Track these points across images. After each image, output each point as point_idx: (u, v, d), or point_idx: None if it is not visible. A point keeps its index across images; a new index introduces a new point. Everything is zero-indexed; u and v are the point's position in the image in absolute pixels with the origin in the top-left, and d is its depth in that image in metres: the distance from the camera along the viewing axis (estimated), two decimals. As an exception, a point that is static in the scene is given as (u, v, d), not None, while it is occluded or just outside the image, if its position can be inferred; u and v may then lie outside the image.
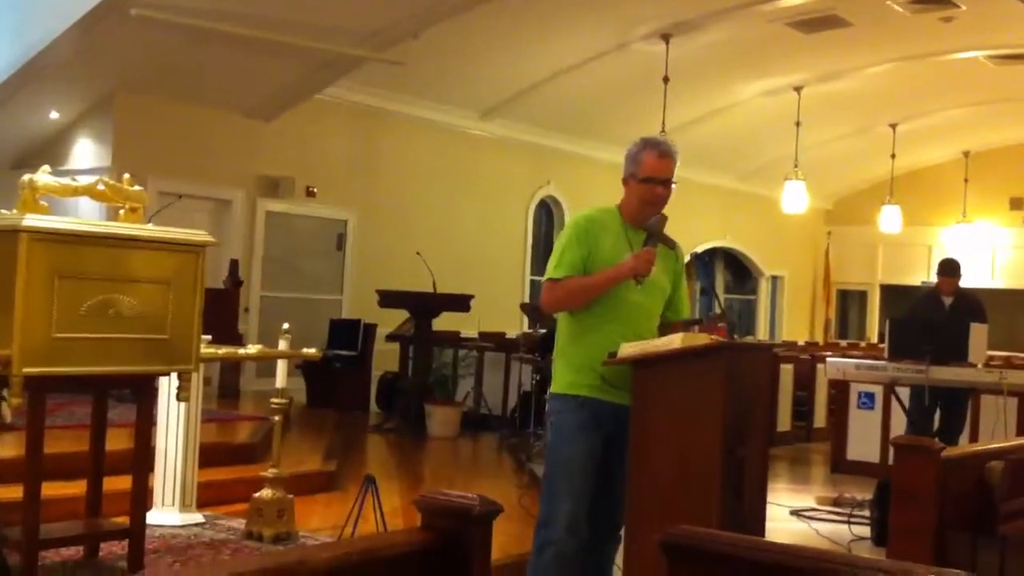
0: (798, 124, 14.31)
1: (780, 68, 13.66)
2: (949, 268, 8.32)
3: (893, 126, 16.33)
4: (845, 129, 16.44)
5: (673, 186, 4.01)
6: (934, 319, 8.06)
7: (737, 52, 12.75)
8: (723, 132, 15.38)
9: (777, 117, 14.63)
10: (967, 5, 11.34)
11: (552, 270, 3.93)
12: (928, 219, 18.92)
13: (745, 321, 19.33)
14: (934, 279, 8.59)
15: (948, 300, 8.23)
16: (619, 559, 4.30)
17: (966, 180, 18.38)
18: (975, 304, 8.20)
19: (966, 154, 18.49)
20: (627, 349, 3.92)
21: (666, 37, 11.87)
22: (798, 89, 14.19)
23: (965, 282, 8.43)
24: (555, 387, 4.00)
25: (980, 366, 7.64)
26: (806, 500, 7.83)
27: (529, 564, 3.92)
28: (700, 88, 13.65)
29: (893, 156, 16.56)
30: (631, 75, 12.73)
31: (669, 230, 4.06)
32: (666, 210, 4.01)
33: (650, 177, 3.94)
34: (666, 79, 12.03)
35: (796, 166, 14.32)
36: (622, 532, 4.02)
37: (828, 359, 8.96)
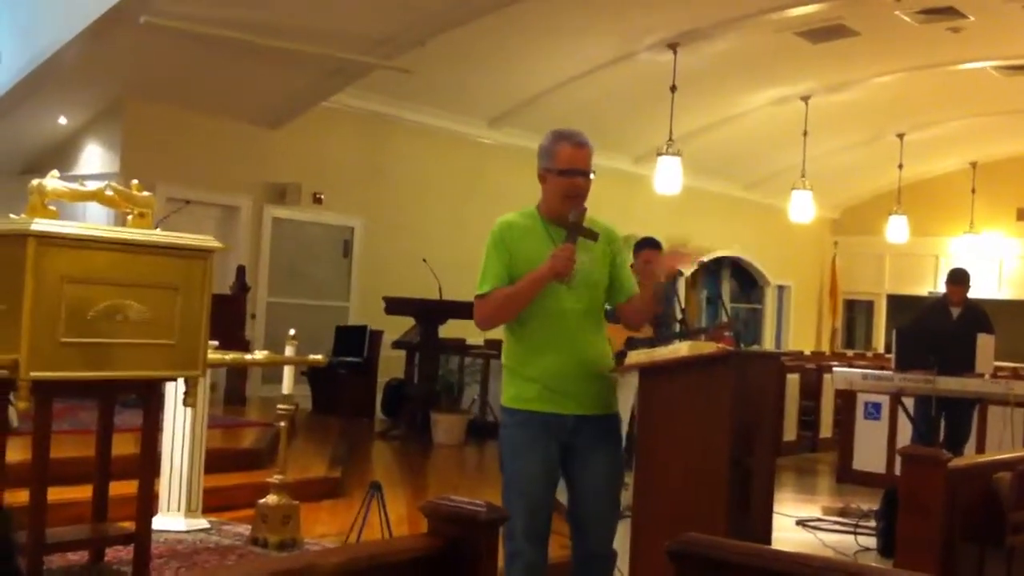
0: (805, 133, 14.29)
1: (787, 77, 13.65)
2: (958, 277, 8.32)
3: (900, 136, 16.31)
4: (852, 139, 16.42)
5: (592, 177, 3.82)
6: (941, 329, 8.05)
7: (744, 61, 12.75)
8: (730, 141, 15.37)
9: (784, 126, 14.62)
10: (975, 15, 11.33)
11: (478, 286, 3.79)
12: (935, 229, 18.89)
13: (751, 330, 19.29)
14: (941, 289, 8.59)
15: (956, 311, 8.22)
16: (625, 568, 4.29)
17: (973, 190, 18.34)
18: (982, 315, 8.19)
19: (973, 164, 18.46)
20: (634, 357, 3.92)
21: (673, 46, 11.87)
22: (805, 99, 14.17)
23: (972, 293, 8.42)
24: (502, 399, 3.89)
25: (987, 377, 7.62)
26: (812, 510, 7.81)
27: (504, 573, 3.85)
28: (707, 97, 13.64)
29: (900, 166, 16.54)
30: (639, 84, 12.73)
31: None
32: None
33: (568, 168, 3.77)
34: (673, 88, 12.03)
35: (803, 175, 14.30)
36: (613, 550, 3.86)
37: (835, 369, 8.95)
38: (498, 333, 3.87)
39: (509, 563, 3.76)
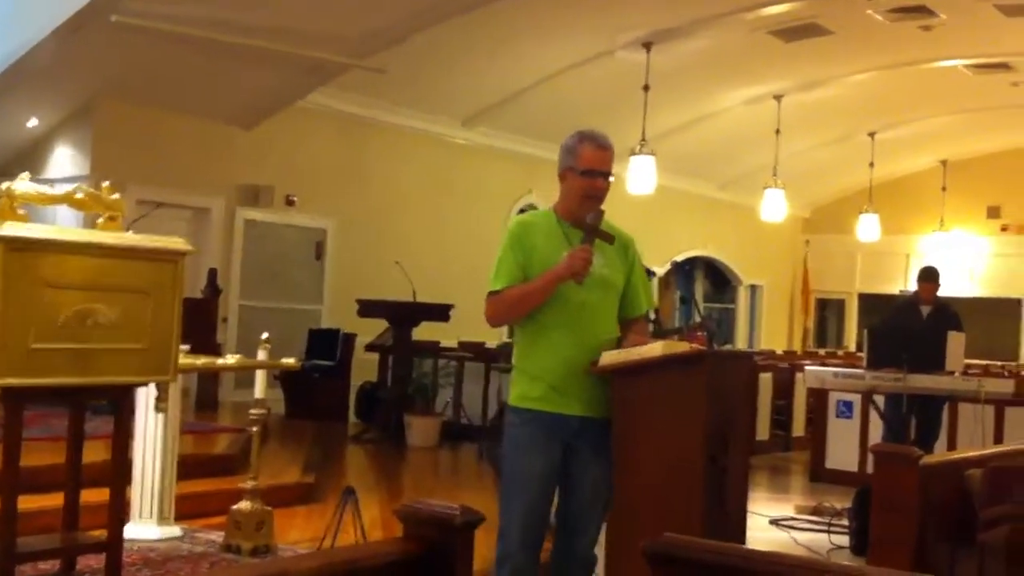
0: (778, 132, 14.35)
1: (760, 76, 13.71)
2: (929, 274, 8.38)
3: (872, 135, 16.41)
4: (824, 138, 16.51)
5: (611, 180, 3.87)
6: (912, 328, 8.11)
7: (718, 60, 12.79)
8: (703, 140, 15.42)
9: (757, 125, 14.68)
10: (947, 14, 11.42)
11: (491, 283, 3.81)
12: (906, 228, 19.02)
13: (724, 330, 19.37)
14: (912, 288, 8.64)
15: (926, 309, 8.27)
16: (601, 568, 4.29)
17: (944, 189, 18.49)
18: (952, 315, 8.25)
19: (944, 163, 18.61)
20: (608, 357, 3.91)
21: (647, 45, 11.90)
22: (778, 97, 14.24)
23: (943, 291, 8.48)
24: (509, 399, 3.91)
25: (958, 374, 7.68)
26: (785, 509, 7.84)
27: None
28: (680, 96, 13.68)
29: (871, 165, 16.64)
30: (612, 83, 12.76)
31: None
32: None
33: (590, 169, 3.81)
34: (647, 87, 12.06)
35: (775, 174, 14.36)
36: (594, 554, 3.89)
37: (807, 368, 8.99)
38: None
39: (499, 566, 3.76)
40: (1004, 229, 19.11)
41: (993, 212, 19.14)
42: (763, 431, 11.15)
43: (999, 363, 14.47)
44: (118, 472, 4.67)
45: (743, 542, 4.22)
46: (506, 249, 3.83)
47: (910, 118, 16.12)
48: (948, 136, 17.30)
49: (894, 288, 18.74)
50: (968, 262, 18.95)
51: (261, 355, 5.65)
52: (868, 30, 11.95)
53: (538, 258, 3.78)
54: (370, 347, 11.21)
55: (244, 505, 5.57)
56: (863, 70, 13.64)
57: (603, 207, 3.85)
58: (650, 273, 10.24)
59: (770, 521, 7.31)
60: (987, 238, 19.17)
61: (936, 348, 7.47)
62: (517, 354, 3.91)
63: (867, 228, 17.01)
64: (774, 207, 14.57)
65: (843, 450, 9.36)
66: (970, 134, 17.28)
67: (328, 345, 11.49)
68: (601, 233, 3.80)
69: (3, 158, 11.17)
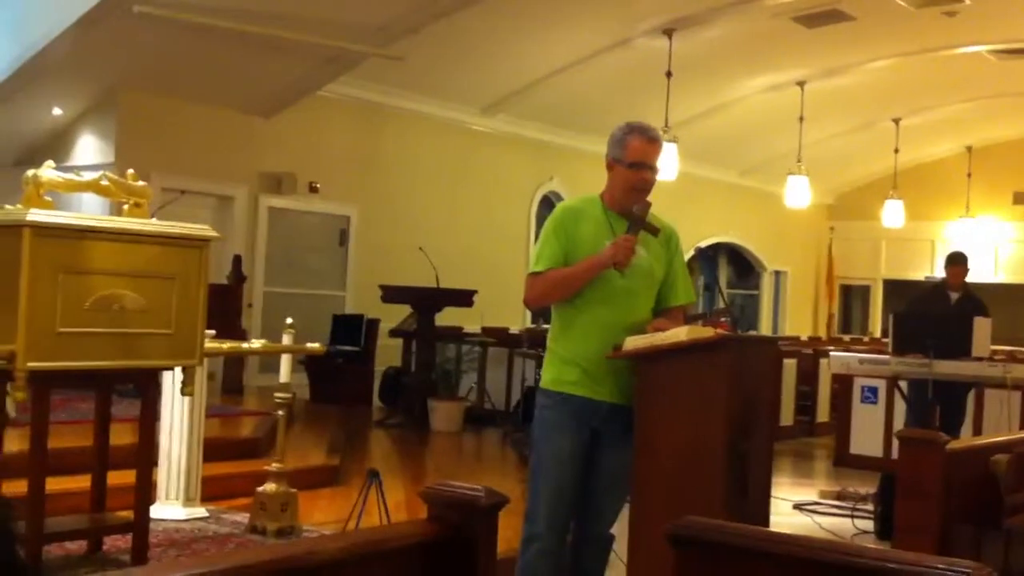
0: (801, 119, 14.27)
1: (783, 63, 13.63)
2: (956, 259, 8.31)
3: (896, 121, 16.29)
4: (848, 124, 16.41)
5: (658, 171, 3.92)
6: (939, 314, 8.05)
7: (740, 47, 12.73)
8: (726, 127, 15.35)
9: (780, 112, 14.60)
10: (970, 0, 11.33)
11: (533, 264, 3.85)
12: (931, 214, 18.89)
13: (748, 316, 19.32)
14: (938, 274, 8.58)
15: (955, 295, 8.21)
16: (623, 552, 4.30)
17: (969, 175, 18.33)
18: (979, 304, 8.18)
19: (969, 149, 18.45)
20: (632, 342, 3.90)
21: (669, 32, 11.85)
22: (801, 84, 14.16)
23: (968, 277, 8.41)
24: (542, 381, 3.94)
25: (984, 360, 7.62)
26: (809, 494, 7.83)
27: (518, 556, 3.90)
28: (703, 83, 13.62)
29: (896, 151, 16.53)
30: (634, 70, 12.71)
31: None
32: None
33: (638, 162, 3.83)
34: (669, 74, 12.01)
35: (799, 161, 14.29)
36: (611, 533, 3.94)
37: (832, 353, 8.94)
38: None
39: (525, 547, 3.79)
40: (1030, 215, 18.97)
41: (1019, 198, 18.97)
42: (787, 417, 11.14)
43: (1025, 349, 14.36)
44: (145, 454, 4.72)
45: (767, 527, 4.22)
46: (549, 232, 3.85)
47: (934, 104, 15.99)
48: (973, 122, 17.15)
49: (919, 274, 18.62)
50: (994, 248, 18.81)
51: (286, 340, 5.68)
52: (891, 16, 11.85)
53: (581, 244, 3.81)
54: (394, 332, 11.25)
55: (269, 487, 5.61)
56: (886, 56, 13.53)
57: (649, 199, 3.87)
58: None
59: (794, 506, 7.31)
60: (1013, 224, 19.01)
61: (962, 334, 7.41)
62: (552, 337, 3.93)
63: (892, 214, 16.89)
64: (798, 194, 14.50)
65: (868, 435, 9.32)
66: (995, 120, 17.13)
67: (352, 331, 11.52)
68: (647, 225, 3.82)
69: (28, 147, 11.25)
